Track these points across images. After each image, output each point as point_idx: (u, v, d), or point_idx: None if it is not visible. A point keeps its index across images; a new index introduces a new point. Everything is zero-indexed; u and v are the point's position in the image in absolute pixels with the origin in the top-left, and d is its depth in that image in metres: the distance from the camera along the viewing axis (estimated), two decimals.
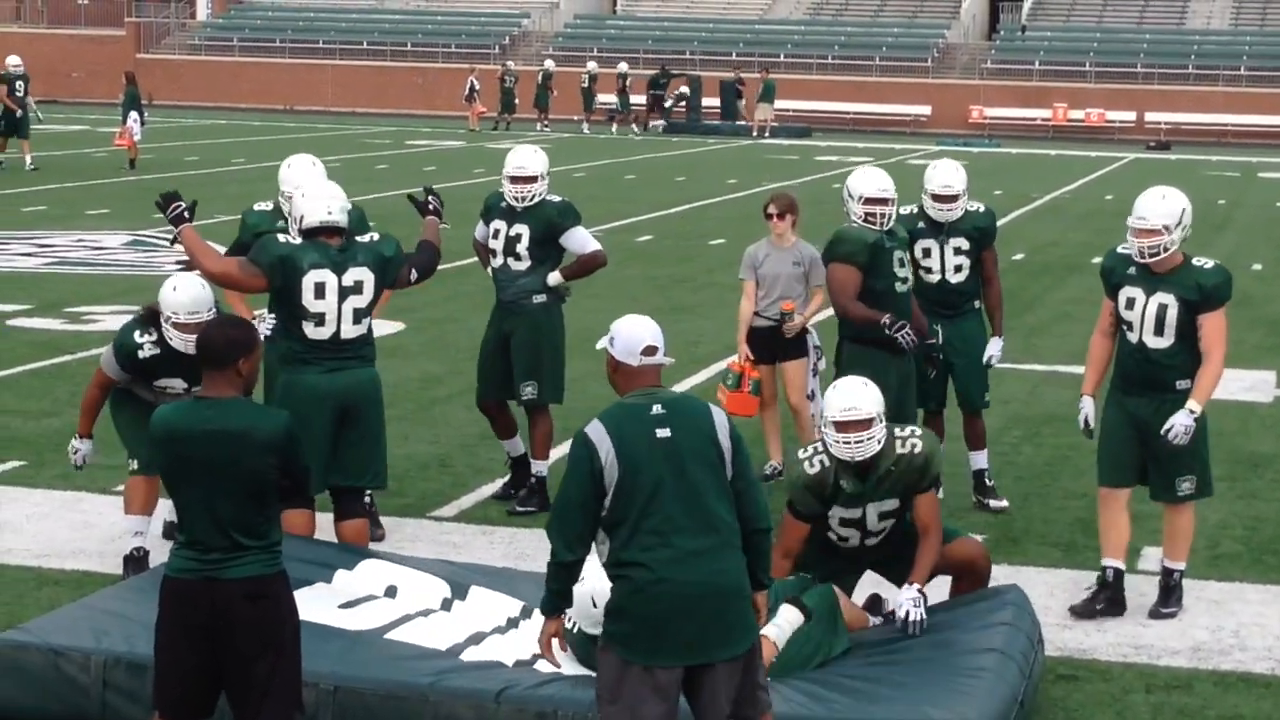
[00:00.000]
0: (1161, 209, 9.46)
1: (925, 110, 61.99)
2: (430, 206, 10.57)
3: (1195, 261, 9.55)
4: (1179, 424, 9.42)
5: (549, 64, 58.23)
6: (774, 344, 12.31)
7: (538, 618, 8.56)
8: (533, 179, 11.42)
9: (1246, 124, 58.91)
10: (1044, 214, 32.65)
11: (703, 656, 6.48)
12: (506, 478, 12.03)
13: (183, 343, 9.59)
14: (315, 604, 8.39)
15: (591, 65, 58.41)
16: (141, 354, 9.90)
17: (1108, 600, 9.78)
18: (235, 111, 63.45)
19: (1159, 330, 9.49)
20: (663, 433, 6.54)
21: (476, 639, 8.31)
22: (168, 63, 69.32)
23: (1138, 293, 9.56)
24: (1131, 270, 9.59)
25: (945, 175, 11.67)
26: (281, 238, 9.75)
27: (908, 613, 8.36)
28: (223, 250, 10.60)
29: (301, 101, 66.52)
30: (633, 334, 6.83)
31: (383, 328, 17.76)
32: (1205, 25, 66.58)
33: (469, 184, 33.77)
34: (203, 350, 6.68)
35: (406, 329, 18.19)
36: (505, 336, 11.62)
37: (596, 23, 71.40)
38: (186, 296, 9.70)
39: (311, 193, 9.78)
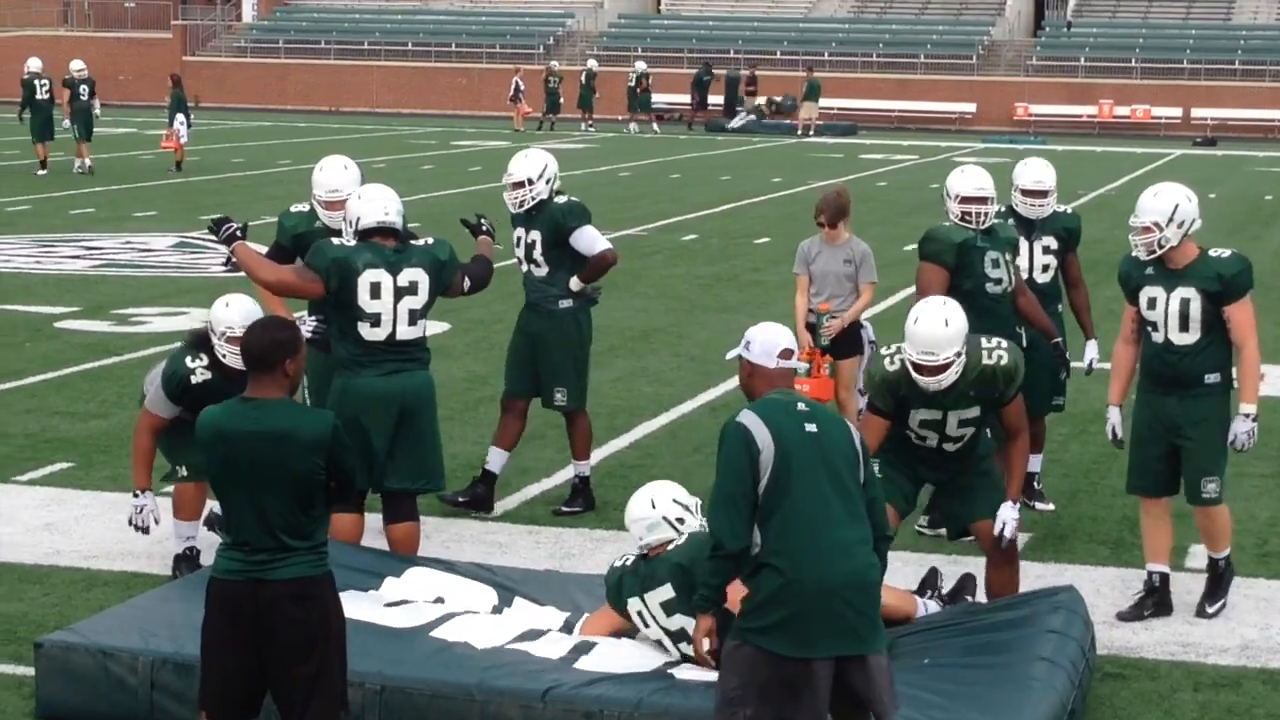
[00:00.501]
0: (1151, 206, 9.45)
1: (970, 108, 61.82)
2: (484, 228, 10.67)
3: (1212, 253, 9.51)
4: (1240, 433, 9.42)
5: (592, 63, 58.22)
6: (830, 341, 12.30)
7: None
8: (522, 184, 11.32)
9: None
10: (1090, 211, 32.44)
11: (859, 647, 6.57)
12: (470, 483, 11.77)
13: (237, 358, 9.54)
14: (361, 606, 8.42)
15: (640, 65, 58.39)
16: (194, 379, 9.87)
17: (1155, 605, 9.74)
18: (281, 113, 63.66)
19: (1184, 326, 9.43)
20: (811, 428, 6.67)
21: (523, 639, 8.31)
22: (214, 65, 69.58)
23: (1158, 291, 9.50)
24: (1149, 270, 9.54)
25: (1036, 171, 11.54)
26: (336, 240, 9.81)
27: (1004, 525, 8.85)
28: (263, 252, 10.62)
29: (347, 103, 66.69)
30: (770, 338, 7.00)
31: (428, 328, 17.81)
32: (1252, 20, 66.25)
33: None
34: (249, 352, 6.71)
35: (452, 329, 18.22)
36: (532, 339, 11.61)
37: (641, 22, 71.40)
38: (239, 312, 9.73)
39: (367, 194, 9.82)
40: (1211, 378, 9.48)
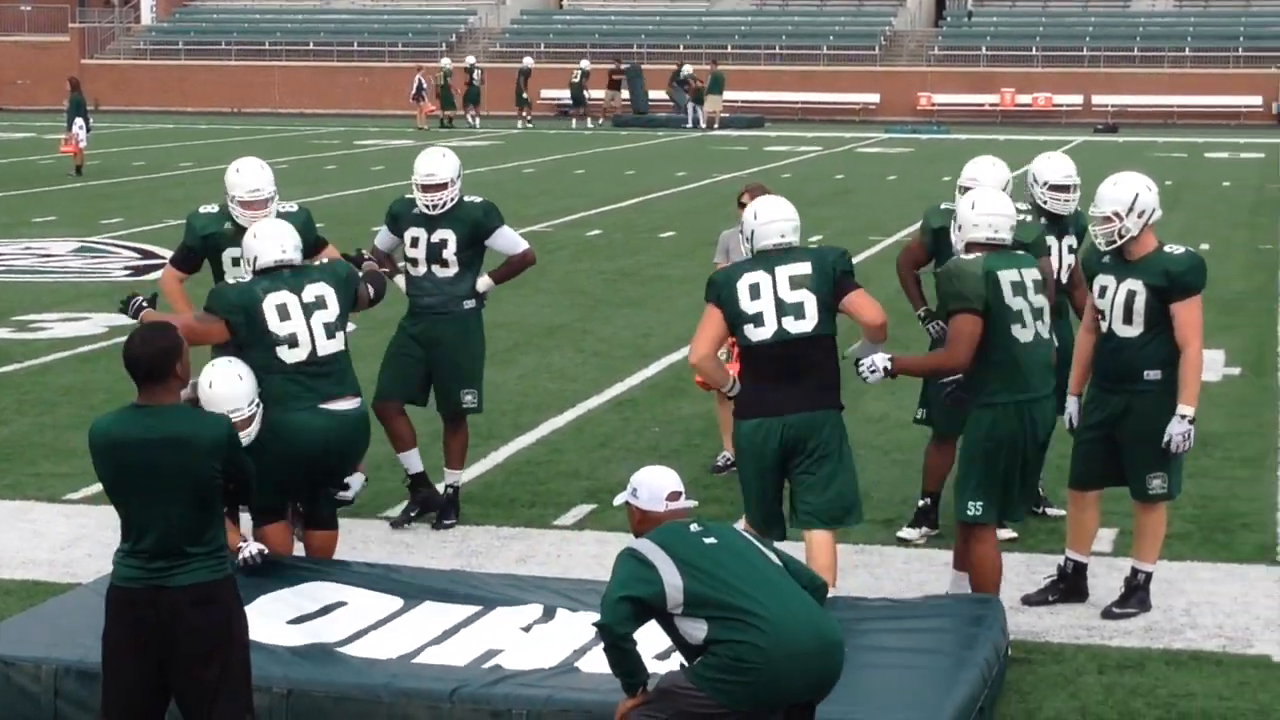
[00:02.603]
0: (1111, 196, 9.37)
1: (874, 98, 62.08)
2: (365, 258, 10.52)
3: (1167, 248, 9.41)
4: (1175, 434, 9.30)
5: (471, 59, 58.32)
6: None
7: (495, 616, 8.60)
8: (445, 185, 11.08)
9: (1192, 104, 59.18)
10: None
11: (819, 695, 6.78)
12: (406, 502, 11.55)
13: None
14: (263, 624, 8.30)
15: (527, 60, 58.61)
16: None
17: (1065, 592, 9.78)
18: (182, 115, 63.19)
19: (1128, 318, 9.35)
20: (710, 540, 6.77)
21: (430, 643, 8.27)
22: (113, 68, 69.01)
23: (1110, 280, 9.45)
24: (1106, 259, 9.50)
25: (1064, 165, 11.01)
26: (230, 279, 9.78)
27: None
28: (169, 253, 10.54)
29: (249, 104, 66.29)
30: (656, 483, 7.05)
31: None
32: (1150, 7, 66.86)
33: None
34: (136, 365, 6.60)
35: (357, 330, 18.12)
36: (428, 343, 11.29)
37: (543, 18, 71.32)
38: (224, 390, 9.31)
39: (263, 233, 9.66)
40: (1152, 374, 9.37)
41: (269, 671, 7.64)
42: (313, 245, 10.65)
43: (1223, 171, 39.10)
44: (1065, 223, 11.02)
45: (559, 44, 65.74)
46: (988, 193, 9.44)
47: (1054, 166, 10.98)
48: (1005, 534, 10.52)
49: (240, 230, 10.36)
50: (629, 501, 7.05)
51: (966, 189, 10.53)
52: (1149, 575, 9.71)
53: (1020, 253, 9.21)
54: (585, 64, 58.87)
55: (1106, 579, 9.90)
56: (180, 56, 69.37)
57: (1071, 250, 11.04)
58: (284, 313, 9.42)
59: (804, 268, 8.86)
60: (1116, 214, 9.32)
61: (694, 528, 6.83)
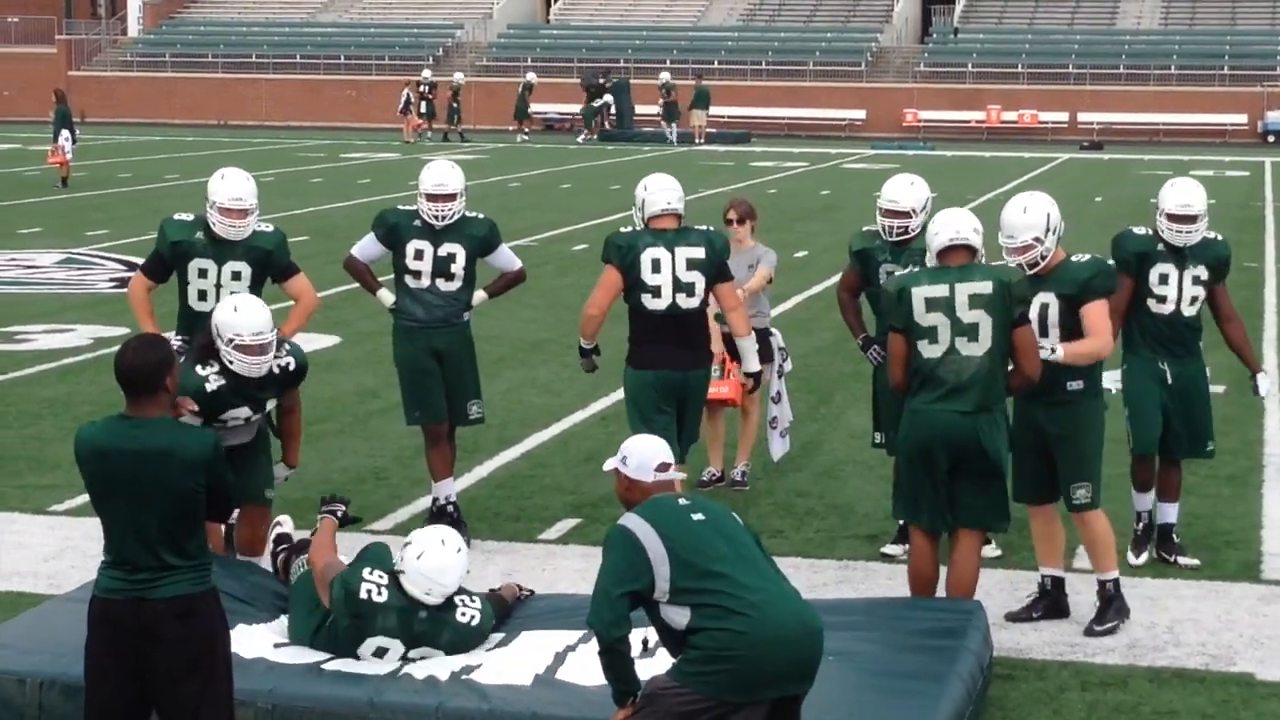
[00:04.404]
0: (1025, 223, 9.37)
1: (860, 114, 62.17)
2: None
3: (1074, 258, 9.44)
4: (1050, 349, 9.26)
5: (458, 76, 58.40)
6: (733, 347, 12.36)
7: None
8: (454, 196, 11.12)
9: (1177, 123, 59.32)
10: (978, 216, 32.76)
11: (803, 688, 6.75)
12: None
13: (245, 366, 9.36)
14: (246, 639, 8.28)
15: (530, 75, 58.62)
16: (209, 387, 9.46)
17: (1046, 608, 9.80)
18: (169, 127, 63.17)
19: (1043, 331, 9.35)
20: (697, 516, 6.75)
21: (415, 660, 8.25)
22: (100, 80, 68.98)
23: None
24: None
25: (1183, 193, 10.56)
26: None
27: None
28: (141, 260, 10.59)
29: (235, 116, 66.28)
30: (646, 451, 7.04)
31: (318, 341, 17.74)
32: (1135, 25, 67.01)
33: (404, 196, 33.59)
34: (129, 376, 6.59)
35: (342, 342, 18.16)
36: (440, 355, 11.23)
37: (530, 32, 71.37)
38: (249, 319, 9.35)
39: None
40: (1074, 384, 9.41)
41: (253, 685, 7.63)
42: (283, 269, 10.69)
43: (1208, 189, 38.78)
44: (1185, 253, 10.59)
45: (546, 58, 65.78)
46: (948, 209, 9.50)
47: (1173, 194, 10.61)
48: (989, 551, 10.55)
49: (211, 242, 10.36)
50: (617, 468, 7.05)
51: (888, 210, 10.63)
52: (1116, 582, 9.68)
53: (988, 266, 9.18)
54: (531, 77, 58.67)
55: (1090, 594, 9.90)
56: (167, 69, 69.34)
57: (1198, 281, 10.62)
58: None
59: (699, 252, 10.46)
60: (1037, 239, 9.33)
61: (683, 501, 6.83)
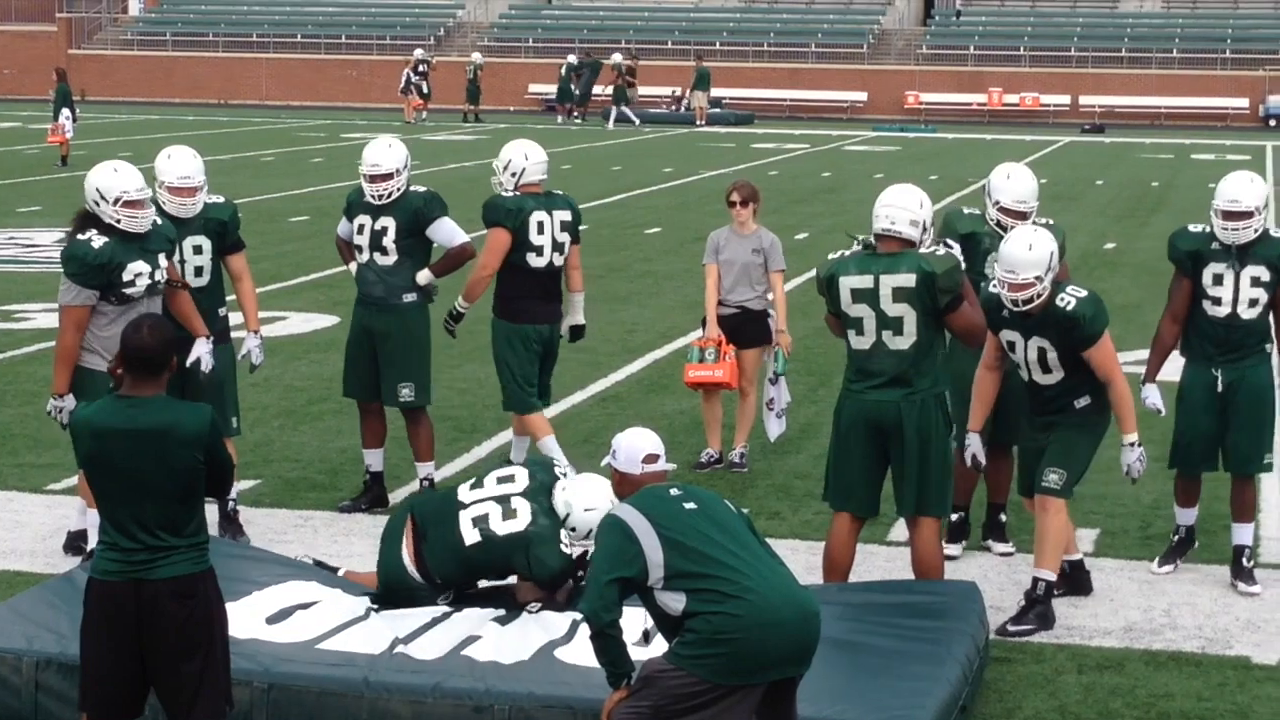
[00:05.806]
0: (1028, 260, 9.05)
1: (861, 96, 62.10)
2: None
3: (1059, 300, 9.12)
4: (1130, 463, 9.34)
5: (476, 56, 58.12)
6: (735, 331, 12.37)
7: (469, 610, 8.61)
8: (389, 176, 11.37)
9: (1179, 106, 59.26)
10: (980, 199, 32.77)
11: (800, 670, 6.78)
12: (360, 493, 11.71)
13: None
14: (242, 619, 8.27)
15: (571, 58, 58.27)
16: (95, 247, 9.72)
17: (1067, 591, 9.77)
18: (169, 106, 63.09)
19: (1045, 370, 9.28)
20: (690, 505, 6.79)
21: (407, 639, 8.24)
22: (100, 58, 68.89)
23: (1016, 336, 9.28)
24: (1005, 312, 9.24)
25: (1234, 187, 9.88)
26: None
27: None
28: None
29: (236, 96, 66.21)
30: (633, 444, 7.12)
31: (318, 321, 17.75)
32: (1138, 8, 66.94)
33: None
34: (141, 354, 6.57)
35: (341, 322, 18.12)
36: (373, 335, 11.50)
37: (531, 13, 71.26)
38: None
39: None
40: (1082, 402, 9.34)
41: (250, 666, 7.64)
42: (234, 243, 10.88)
43: (1209, 173, 39.06)
44: (1246, 251, 9.93)
45: (547, 39, 65.70)
46: (899, 186, 9.13)
47: (1224, 188, 9.97)
48: (1003, 549, 10.65)
49: (166, 220, 10.31)
50: (610, 463, 7.15)
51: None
52: (1050, 585, 9.40)
53: (918, 254, 8.85)
54: (476, 56, 58.16)
55: (1104, 579, 9.90)
56: (167, 47, 69.27)
57: (1258, 283, 9.93)
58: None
59: (568, 215, 11.67)
60: (1038, 278, 9.08)
61: (674, 491, 6.86)
